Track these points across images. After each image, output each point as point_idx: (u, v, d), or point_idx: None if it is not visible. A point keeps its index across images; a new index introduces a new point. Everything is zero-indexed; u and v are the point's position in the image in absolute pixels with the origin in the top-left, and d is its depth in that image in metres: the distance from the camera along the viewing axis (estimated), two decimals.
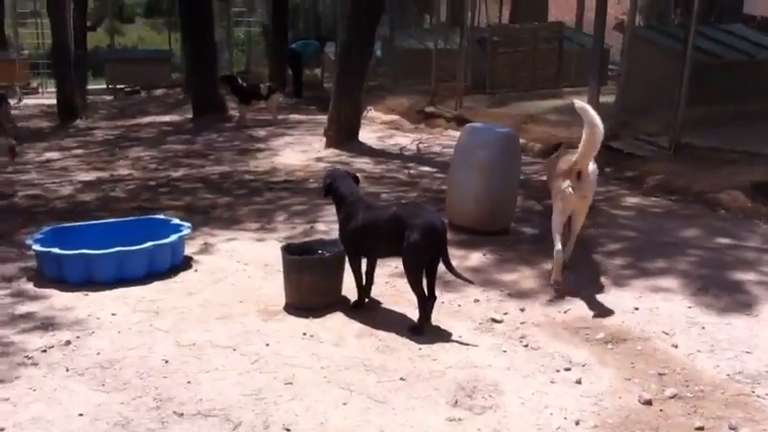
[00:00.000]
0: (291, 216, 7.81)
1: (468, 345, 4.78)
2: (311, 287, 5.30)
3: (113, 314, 5.29)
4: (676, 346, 4.75)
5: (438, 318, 5.10)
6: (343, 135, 11.52)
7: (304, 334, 4.95)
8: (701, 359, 4.57)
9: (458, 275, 5.01)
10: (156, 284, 5.85)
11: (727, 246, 6.59)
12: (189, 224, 6.57)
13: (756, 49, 13.20)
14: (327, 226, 7.35)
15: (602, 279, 5.86)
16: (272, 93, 15.35)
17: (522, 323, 5.13)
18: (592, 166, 5.56)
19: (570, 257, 5.97)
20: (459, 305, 5.43)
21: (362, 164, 10.38)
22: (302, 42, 20.74)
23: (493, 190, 6.81)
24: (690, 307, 5.32)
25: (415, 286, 4.94)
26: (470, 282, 5.19)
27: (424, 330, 4.95)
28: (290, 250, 5.50)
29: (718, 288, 5.59)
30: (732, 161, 9.46)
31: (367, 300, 5.44)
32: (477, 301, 5.48)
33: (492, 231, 6.94)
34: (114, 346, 4.78)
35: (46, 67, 24.43)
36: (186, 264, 6.31)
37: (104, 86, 24.56)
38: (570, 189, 5.47)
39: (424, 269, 4.93)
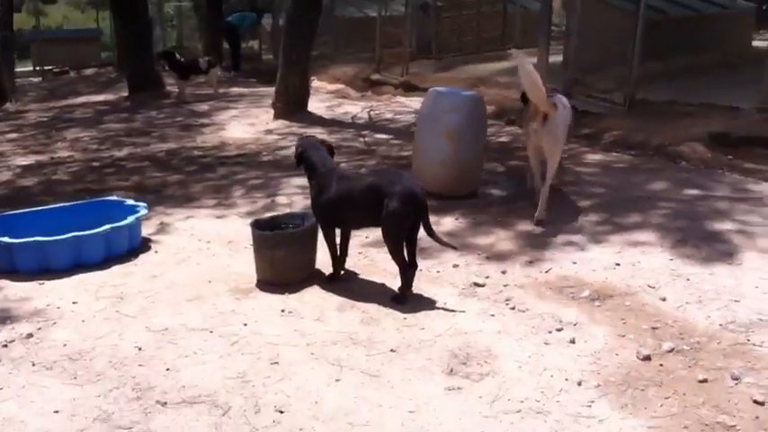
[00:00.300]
0: (249, 191, 7.54)
1: (454, 311, 4.64)
2: (285, 262, 5.09)
3: (74, 302, 4.99)
4: (664, 300, 4.69)
5: (419, 285, 4.95)
6: (292, 106, 11.22)
7: (282, 311, 4.74)
8: (692, 311, 4.52)
9: (440, 241, 4.86)
10: (116, 269, 5.56)
11: (697, 197, 6.58)
12: (144, 204, 6.24)
13: (703, 4, 13.30)
14: (288, 198, 7.12)
15: (579, 237, 5.78)
16: (211, 67, 14.91)
17: (505, 286, 5.01)
18: (560, 109, 6.10)
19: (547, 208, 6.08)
20: (439, 271, 5.28)
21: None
22: (239, 15, 20.22)
23: (462, 154, 6.66)
24: (671, 259, 5.27)
25: (396, 255, 4.77)
26: (453, 247, 5.03)
27: (407, 299, 4.80)
28: (259, 225, 5.28)
29: (696, 239, 5.56)
30: (688, 113, 9.51)
31: (342, 272, 5.24)
32: (456, 266, 5.34)
33: (460, 195, 6.80)
34: (81, 336, 4.50)
35: None
36: (144, 245, 6.03)
37: (31, 68, 23.60)
38: (536, 129, 6.11)
39: (404, 237, 4.75)
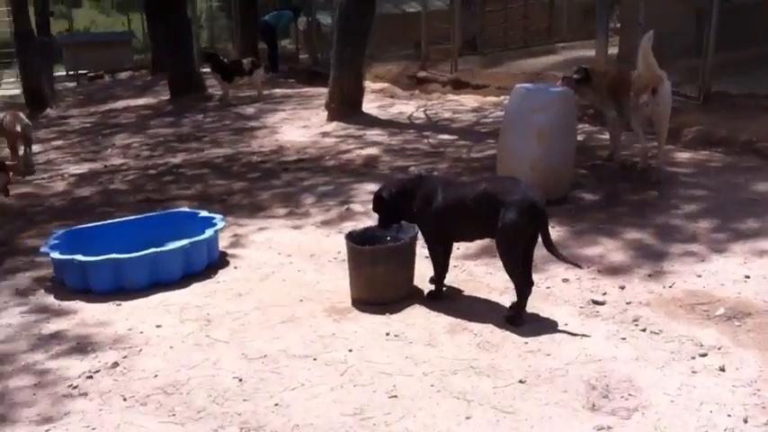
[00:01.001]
0: (320, 198, 7.16)
1: (579, 335, 4.23)
2: (385, 279, 4.70)
3: (158, 326, 4.64)
4: None
5: (532, 303, 4.54)
6: (346, 107, 10.84)
7: (387, 334, 4.35)
8: None
9: (562, 257, 4.45)
10: (197, 287, 5.22)
11: None
12: (221, 216, 5.88)
13: None
14: (364, 206, 6.72)
15: (696, 246, 5.34)
16: (255, 68, 14.56)
17: (628, 303, 4.58)
18: (666, 83, 6.65)
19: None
20: (549, 287, 4.87)
21: (375, 136, 9.73)
22: (275, 14, 19.82)
23: (552, 155, 6.24)
24: None
25: (513, 271, 4.37)
26: (577, 265, 4.60)
27: (523, 321, 4.38)
28: (353, 239, 4.88)
29: None
30: (762, 106, 8.94)
31: (444, 289, 4.83)
32: (566, 280, 4.92)
33: (550, 201, 6.33)
34: (172, 366, 4.14)
35: None
36: (222, 260, 5.67)
37: (64, 73, 23.43)
38: (647, 102, 6.65)
39: (522, 252, 4.34)
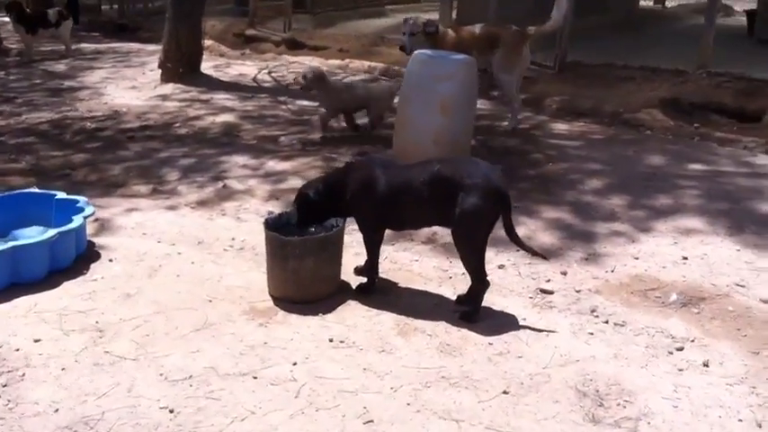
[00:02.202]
0: (186, 173, 6.33)
1: (543, 330, 3.87)
2: (315, 274, 4.10)
3: (36, 340, 3.76)
4: (767, 302, 4.12)
5: None
6: (185, 67, 9.85)
7: (331, 340, 3.77)
8: None
9: (526, 247, 4.03)
10: (69, 287, 4.33)
11: (709, 173, 6.18)
12: (84, 198, 4.96)
13: None
14: (243, 183, 6.02)
15: (619, 225, 5.17)
16: (63, 19, 13.02)
17: (577, 291, 4.30)
18: None
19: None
20: (488, 275, 4.42)
21: (225, 100, 8.89)
22: None
23: (456, 128, 5.85)
24: (738, 250, 4.80)
25: (473, 264, 3.93)
26: (542, 256, 4.17)
27: (479, 317, 3.94)
28: (270, 227, 4.20)
29: (750, 223, 5.13)
30: (630, 77, 9.14)
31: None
32: (502, 267, 4.56)
33: None
34: (73, 395, 3.33)
35: None
36: (91, 251, 4.75)
37: None
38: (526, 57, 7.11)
39: (484, 242, 3.89)
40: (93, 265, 4.59)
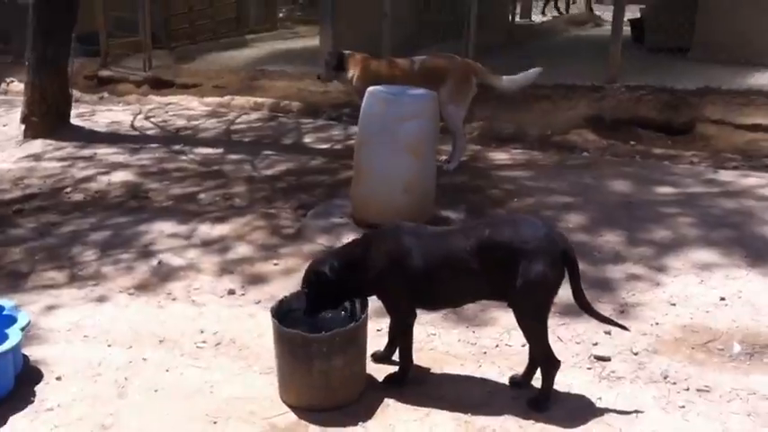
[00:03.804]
0: (104, 249, 5.41)
1: (629, 412, 3.37)
2: (344, 374, 3.41)
3: None
4: None
5: (517, 368, 3.61)
6: (53, 119, 8.70)
7: None
8: None
9: (601, 317, 3.50)
10: (19, 422, 3.41)
11: (683, 196, 5.98)
12: (12, 303, 4.01)
13: None
14: (181, 257, 5.18)
15: (632, 266, 4.79)
16: None
17: (635, 354, 3.85)
18: None
19: None
20: (524, 344, 3.89)
21: (111, 155, 7.86)
22: None
23: (427, 172, 5.33)
24: None
25: (542, 341, 3.38)
26: (623, 327, 3.62)
27: (550, 404, 3.39)
28: (279, 318, 3.48)
29: (767, 251, 4.83)
30: (545, 96, 8.89)
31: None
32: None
33: None
34: None
35: None
36: (28, 368, 3.84)
37: None
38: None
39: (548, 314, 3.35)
40: (38, 388, 3.70)
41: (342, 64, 6.98)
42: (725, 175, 6.37)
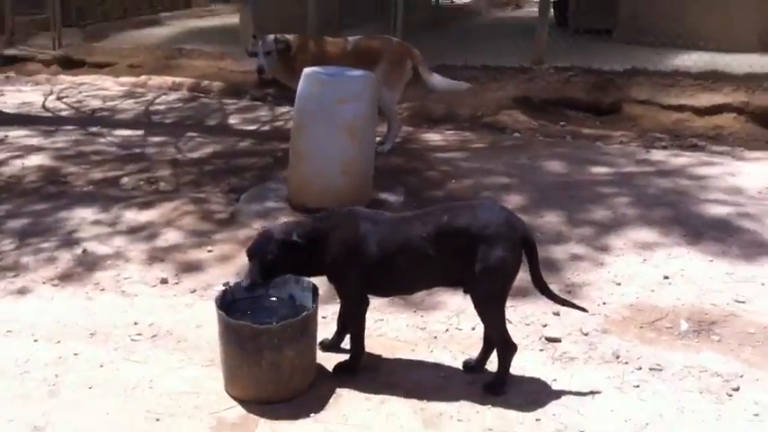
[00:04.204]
0: (23, 238, 5.12)
1: (585, 393, 3.37)
2: (295, 364, 3.28)
3: None
4: None
5: (469, 352, 3.59)
6: None
7: None
8: None
9: (559, 299, 3.47)
10: None
11: (618, 175, 6.06)
12: None
13: None
14: (106, 244, 4.96)
15: (574, 246, 4.82)
16: None
17: (585, 334, 3.83)
18: None
19: None
20: (448, 330, 3.88)
21: (24, 138, 7.47)
22: None
23: (366, 154, 5.22)
24: (711, 261, 4.58)
25: (499, 326, 3.34)
26: (582, 309, 3.59)
27: (506, 387, 3.35)
28: (224, 309, 3.33)
29: (706, 229, 4.99)
30: (473, 78, 8.84)
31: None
32: (461, 314, 3.97)
33: None
34: None
35: None
36: None
37: None
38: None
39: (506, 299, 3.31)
40: None
41: (288, 50, 6.59)
42: (657, 155, 6.47)
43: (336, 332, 3.65)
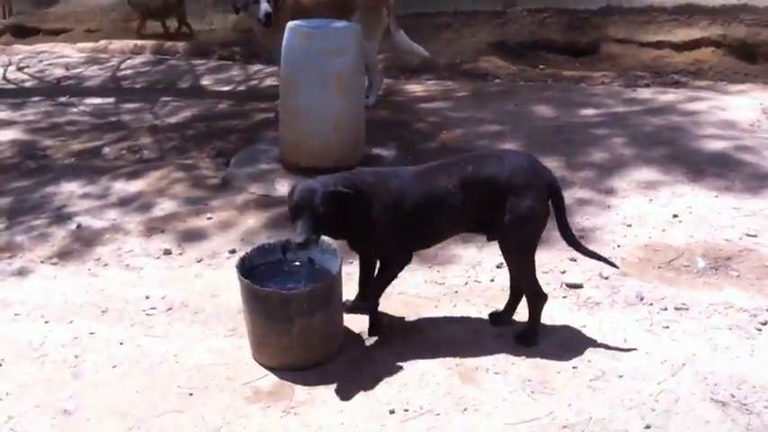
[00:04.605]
0: (13, 216, 4.98)
1: (618, 338, 3.37)
2: (323, 331, 3.25)
3: None
4: None
5: (496, 305, 3.60)
6: None
7: (392, 412, 3.00)
8: None
9: (591, 254, 3.43)
10: None
11: (609, 116, 6.05)
12: None
13: None
14: (100, 218, 4.83)
15: (578, 191, 4.82)
16: None
17: (605, 278, 3.85)
18: None
19: None
20: (492, 279, 3.86)
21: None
22: None
23: (357, 109, 5.15)
24: (717, 196, 4.64)
25: (530, 276, 3.32)
26: (613, 264, 3.54)
27: (538, 337, 3.36)
28: (245, 273, 3.28)
29: (707, 165, 5.02)
30: (446, 24, 8.79)
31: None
32: (500, 266, 3.94)
33: (351, 165, 5.20)
34: None
35: None
36: None
37: None
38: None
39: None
40: None
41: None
42: (643, 93, 6.48)
43: (359, 293, 3.60)
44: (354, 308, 3.60)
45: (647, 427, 2.85)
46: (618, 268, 3.64)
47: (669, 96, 6.32)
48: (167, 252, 4.37)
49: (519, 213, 3.12)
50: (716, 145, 5.24)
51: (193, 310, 3.76)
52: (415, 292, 3.81)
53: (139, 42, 9.70)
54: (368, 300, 3.47)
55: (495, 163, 3.22)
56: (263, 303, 3.18)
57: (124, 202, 5.04)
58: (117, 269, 4.23)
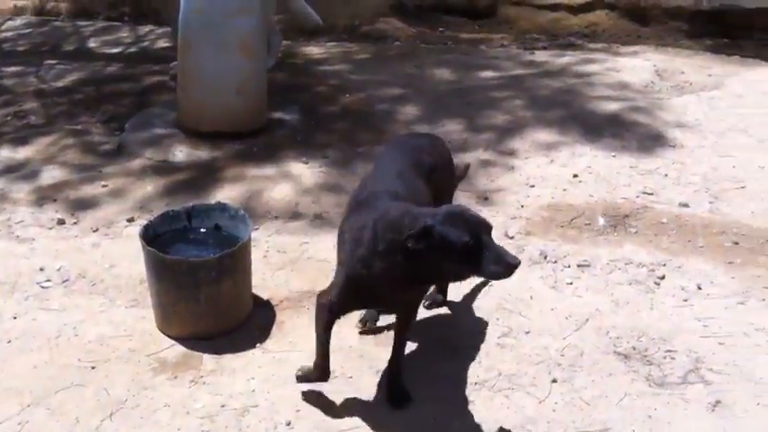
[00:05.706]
0: None
1: (523, 295, 3.45)
2: (231, 298, 3.22)
3: None
4: (686, 205, 4.19)
5: None
6: None
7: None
8: (743, 212, 4.10)
9: None
10: None
11: (507, 79, 6.08)
12: None
13: None
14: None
15: (481, 153, 4.87)
16: None
17: (510, 237, 3.96)
18: None
19: None
20: None
21: None
22: None
23: (261, 71, 5.05)
24: (614, 156, 4.77)
25: None
26: None
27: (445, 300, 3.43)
28: (150, 244, 3.21)
29: (602, 126, 5.14)
30: None
31: None
32: None
33: (257, 131, 5.15)
34: None
35: None
36: None
37: None
38: None
39: None
40: None
41: None
42: (540, 56, 6.59)
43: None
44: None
45: (554, 381, 2.94)
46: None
47: (565, 59, 6.45)
48: (61, 222, 4.21)
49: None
50: (612, 106, 5.39)
51: (91, 282, 3.65)
52: (324, 256, 3.79)
53: (19, 3, 9.22)
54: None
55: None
56: (170, 271, 3.12)
57: (10, 170, 4.81)
58: (6, 241, 4.05)
